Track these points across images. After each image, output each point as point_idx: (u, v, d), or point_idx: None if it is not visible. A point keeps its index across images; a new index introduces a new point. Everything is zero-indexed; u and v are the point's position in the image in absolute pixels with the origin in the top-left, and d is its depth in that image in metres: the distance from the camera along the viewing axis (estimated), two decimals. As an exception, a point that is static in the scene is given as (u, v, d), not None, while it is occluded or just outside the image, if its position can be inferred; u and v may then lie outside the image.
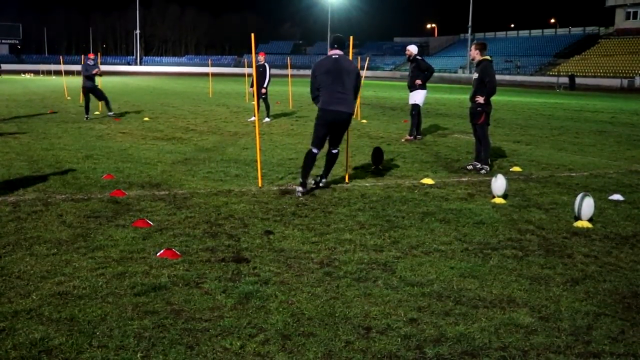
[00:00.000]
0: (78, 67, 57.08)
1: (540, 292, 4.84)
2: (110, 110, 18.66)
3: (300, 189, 8.11)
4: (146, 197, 7.72)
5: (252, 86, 17.57)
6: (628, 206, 7.99)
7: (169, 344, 3.78)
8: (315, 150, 8.18)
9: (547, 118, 22.83)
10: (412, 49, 14.54)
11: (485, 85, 10.03)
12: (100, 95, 18.57)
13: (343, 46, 8.28)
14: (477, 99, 10.09)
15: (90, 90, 18.35)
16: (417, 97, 14.44)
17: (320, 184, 8.55)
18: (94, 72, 18.14)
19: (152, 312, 4.22)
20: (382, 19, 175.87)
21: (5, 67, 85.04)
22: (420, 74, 14.34)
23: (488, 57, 10.20)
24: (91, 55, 18.83)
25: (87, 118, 17.91)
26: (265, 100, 18.52)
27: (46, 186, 8.20)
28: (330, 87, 8.02)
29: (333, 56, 8.18)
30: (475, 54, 10.25)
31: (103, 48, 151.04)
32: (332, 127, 8.19)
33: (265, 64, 18.38)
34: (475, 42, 10.65)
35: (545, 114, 24.69)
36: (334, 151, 8.42)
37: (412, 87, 14.45)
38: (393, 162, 11.14)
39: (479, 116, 10.20)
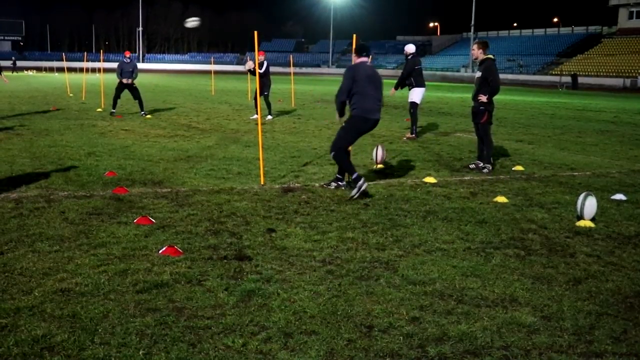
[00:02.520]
0: (80, 64, 57.19)
1: (542, 291, 4.84)
2: (142, 109, 18.46)
3: (361, 182, 7.82)
4: (148, 195, 7.72)
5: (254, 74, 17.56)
6: (630, 206, 7.98)
7: (171, 341, 3.78)
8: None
9: (550, 117, 22.81)
10: (408, 49, 14.88)
11: (488, 84, 10.01)
12: (136, 94, 18.32)
13: (369, 54, 8.32)
14: (480, 97, 10.07)
15: (127, 86, 18.19)
16: (414, 95, 14.52)
17: (334, 185, 8.48)
18: (125, 81, 18.04)
19: (154, 310, 4.22)
20: (384, 18, 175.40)
21: (7, 63, 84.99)
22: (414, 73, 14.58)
23: (491, 56, 10.18)
24: (127, 54, 18.62)
25: (112, 113, 17.93)
26: (267, 98, 18.52)
27: (48, 183, 8.21)
28: (371, 95, 8.02)
29: (368, 63, 8.20)
30: (478, 52, 10.22)
31: (106, 45, 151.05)
32: (363, 134, 8.33)
33: (265, 61, 18.36)
34: (477, 40, 10.61)
35: (548, 113, 24.67)
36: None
37: (410, 85, 14.58)
38: (396, 160, 11.13)
39: (482, 115, 10.18)
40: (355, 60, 8.19)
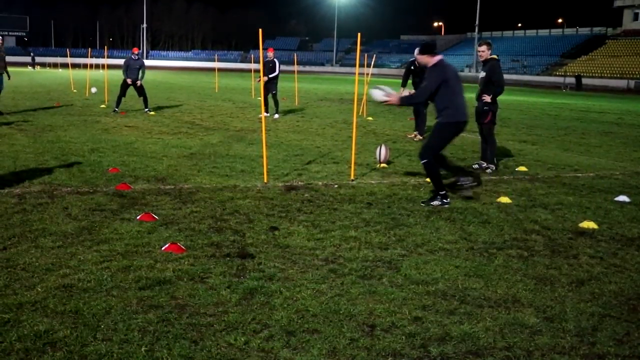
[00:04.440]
0: (84, 61, 57.26)
1: (545, 292, 4.83)
2: (146, 106, 18.40)
3: (446, 200, 7.53)
4: (152, 191, 7.72)
5: (264, 75, 17.48)
6: (634, 207, 7.96)
7: (173, 338, 3.78)
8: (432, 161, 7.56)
9: (554, 118, 22.77)
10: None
11: (492, 84, 10.00)
12: (141, 90, 18.22)
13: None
14: (484, 97, 10.06)
15: (132, 83, 18.05)
16: None
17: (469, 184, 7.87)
18: (134, 81, 17.84)
19: (157, 306, 4.22)
20: (389, 17, 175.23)
21: (11, 59, 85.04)
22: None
23: (495, 56, 10.16)
24: (135, 50, 18.41)
25: (115, 111, 17.78)
26: (275, 96, 18.50)
27: (52, 178, 8.21)
28: (460, 96, 7.58)
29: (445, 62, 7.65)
30: (488, 53, 10.16)
31: (110, 42, 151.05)
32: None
33: (275, 59, 18.36)
34: (483, 40, 10.60)
35: (552, 114, 24.63)
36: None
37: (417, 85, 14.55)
38: (399, 160, 11.12)
39: (486, 115, 10.17)
40: (431, 59, 7.53)
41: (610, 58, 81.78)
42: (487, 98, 10.03)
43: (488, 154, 10.30)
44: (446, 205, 7.54)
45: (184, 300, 4.37)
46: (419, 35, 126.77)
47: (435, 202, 7.57)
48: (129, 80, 17.91)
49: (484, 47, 10.15)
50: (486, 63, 10.16)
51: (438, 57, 7.58)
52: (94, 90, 21.29)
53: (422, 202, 7.63)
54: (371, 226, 6.54)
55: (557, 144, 14.78)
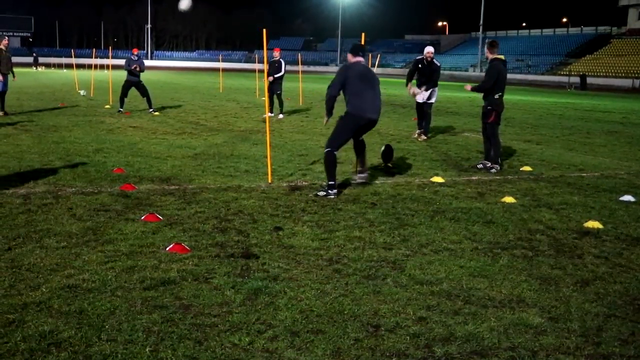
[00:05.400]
0: (89, 61, 57.35)
1: (550, 292, 4.82)
2: (150, 107, 18.44)
3: (333, 191, 7.84)
4: (156, 192, 7.73)
5: (269, 75, 17.54)
6: (639, 207, 7.94)
7: (177, 338, 3.78)
8: (335, 152, 7.95)
9: (558, 118, 22.73)
10: (431, 51, 14.69)
11: (495, 84, 10.08)
12: (144, 91, 18.29)
13: (365, 53, 8.38)
14: (466, 87, 10.68)
15: (134, 84, 18.13)
16: (434, 95, 14.51)
17: (361, 179, 8.65)
18: (133, 67, 17.82)
19: (161, 307, 4.23)
20: (393, 16, 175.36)
21: (16, 60, 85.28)
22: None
23: (499, 56, 10.16)
24: (135, 51, 18.58)
25: (120, 112, 17.86)
26: (280, 96, 18.52)
27: (56, 179, 8.23)
28: (366, 94, 7.99)
29: (362, 63, 8.18)
30: (487, 53, 10.30)
31: (114, 42, 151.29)
32: (359, 131, 8.26)
33: (281, 59, 18.39)
34: (488, 40, 10.70)
35: (556, 114, 24.58)
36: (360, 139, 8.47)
37: (429, 86, 14.53)
38: (403, 160, 11.11)
39: (489, 115, 10.17)
40: (351, 60, 8.15)
41: (615, 57, 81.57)
42: (468, 87, 10.76)
43: (492, 154, 10.29)
44: (331, 196, 7.76)
45: (188, 300, 4.37)
46: (423, 35, 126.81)
47: (321, 193, 7.85)
48: (133, 67, 17.88)
49: (486, 49, 10.48)
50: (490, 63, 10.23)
51: (356, 59, 8.11)
52: (82, 92, 21.87)
53: (314, 194, 7.88)
54: (375, 226, 6.53)
55: (562, 143, 14.75)
